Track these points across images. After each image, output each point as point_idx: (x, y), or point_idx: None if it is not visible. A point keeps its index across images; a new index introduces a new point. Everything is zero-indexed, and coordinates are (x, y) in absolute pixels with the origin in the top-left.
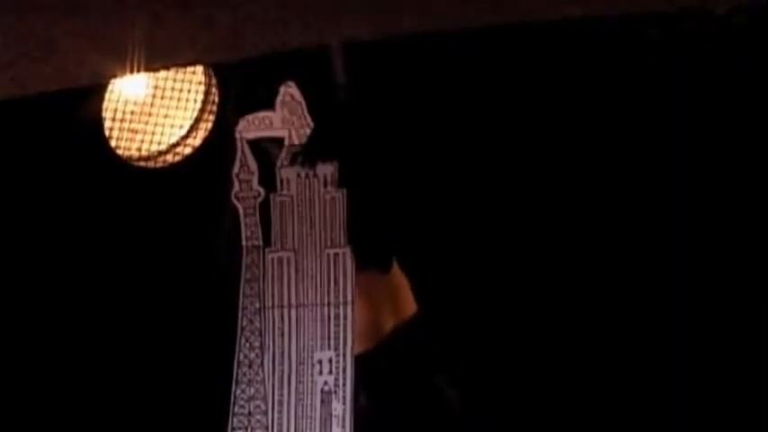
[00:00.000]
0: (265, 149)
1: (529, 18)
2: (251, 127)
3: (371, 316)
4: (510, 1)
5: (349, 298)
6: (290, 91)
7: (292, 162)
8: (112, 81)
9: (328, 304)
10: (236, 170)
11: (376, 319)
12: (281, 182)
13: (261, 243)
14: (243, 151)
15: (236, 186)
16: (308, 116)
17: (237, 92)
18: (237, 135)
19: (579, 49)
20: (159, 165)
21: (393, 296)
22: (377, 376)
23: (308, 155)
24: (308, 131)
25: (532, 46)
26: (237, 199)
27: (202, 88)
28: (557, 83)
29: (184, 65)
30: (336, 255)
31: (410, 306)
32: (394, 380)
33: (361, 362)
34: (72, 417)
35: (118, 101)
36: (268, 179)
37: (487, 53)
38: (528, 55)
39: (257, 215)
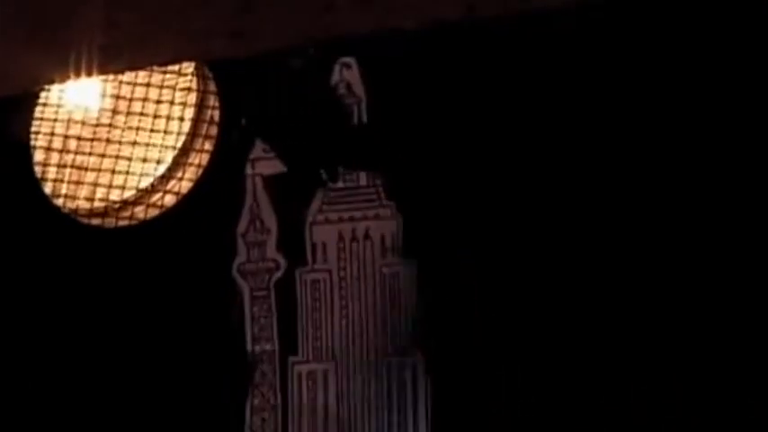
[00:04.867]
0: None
1: None
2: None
3: None
4: None
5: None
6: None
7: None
8: (49, 88)
9: None
10: (241, 229)
11: None
12: (314, 246)
13: (276, 347)
14: (255, 197)
15: (242, 254)
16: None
17: (253, 104)
18: (248, 171)
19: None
20: (122, 223)
21: None
22: None
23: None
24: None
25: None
26: (242, 274)
27: (193, 99)
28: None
29: (162, 64)
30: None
31: None
32: None
33: None
34: None
35: (55, 121)
36: (291, 242)
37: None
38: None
39: (272, 299)
